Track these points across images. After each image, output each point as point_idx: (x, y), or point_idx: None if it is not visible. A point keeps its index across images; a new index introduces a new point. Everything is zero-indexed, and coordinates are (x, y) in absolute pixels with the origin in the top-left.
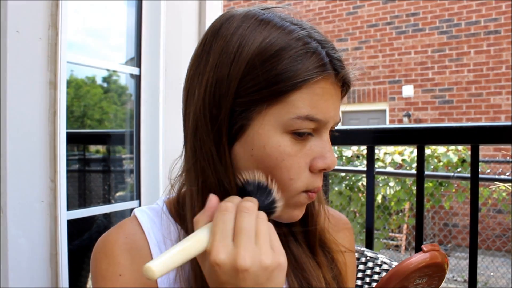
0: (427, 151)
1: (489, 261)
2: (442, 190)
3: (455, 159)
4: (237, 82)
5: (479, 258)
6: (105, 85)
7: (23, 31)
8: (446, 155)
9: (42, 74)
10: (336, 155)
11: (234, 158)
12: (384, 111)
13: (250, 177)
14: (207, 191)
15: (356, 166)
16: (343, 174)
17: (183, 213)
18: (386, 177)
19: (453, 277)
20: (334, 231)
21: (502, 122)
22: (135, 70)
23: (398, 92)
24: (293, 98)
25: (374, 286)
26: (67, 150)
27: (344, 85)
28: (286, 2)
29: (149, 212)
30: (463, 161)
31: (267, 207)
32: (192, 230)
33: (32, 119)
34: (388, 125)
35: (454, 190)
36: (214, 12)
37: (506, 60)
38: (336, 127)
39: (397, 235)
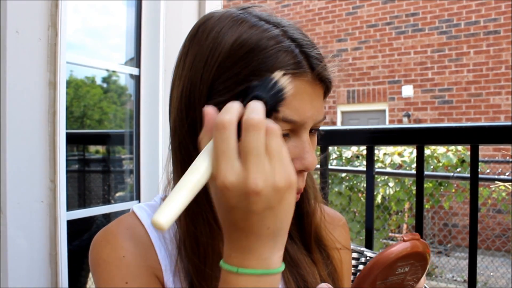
0: (427, 151)
1: (488, 261)
2: (441, 190)
3: (454, 159)
4: (209, 84)
5: (478, 258)
6: (104, 85)
7: (22, 31)
8: (446, 156)
9: (42, 75)
10: (335, 155)
11: None
12: (384, 111)
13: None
14: None
15: (356, 167)
16: (343, 174)
17: None
18: (385, 178)
19: (453, 277)
20: (329, 228)
21: (502, 122)
22: (134, 71)
23: (397, 92)
24: None
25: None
26: (67, 151)
27: (324, 83)
28: (285, 2)
29: (147, 208)
30: (462, 161)
31: (274, 97)
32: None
33: (31, 120)
34: (387, 125)
35: (453, 190)
36: None
37: (505, 60)
38: (336, 127)
39: (396, 235)
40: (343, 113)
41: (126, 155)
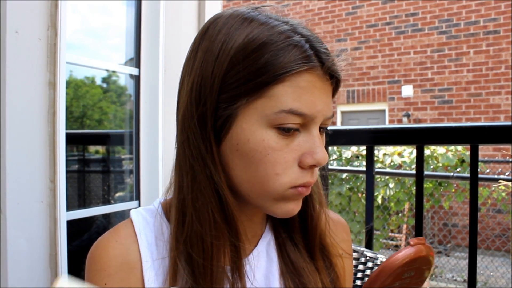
0: (427, 151)
1: (488, 261)
2: (441, 190)
3: (454, 160)
4: (221, 78)
5: (478, 258)
6: (104, 85)
7: (22, 31)
8: (446, 157)
9: (41, 75)
10: (335, 156)
11: (222, 156)
12: (384, 111)
13: None
14: (197, 187)
15: (356, 167)
16: (344, 175)
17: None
18: (386, 179)
19: (453, 277)
20: (333, 234)
21: (502, 122)
22: (134, 71)
23: (397, 92)
24: (276, 91)
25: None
26: (67, 151)
27: (333, 78)
28: (285, 3)
29: (144, 213)
30: (462, 161)
31: None
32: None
33: (31, 120)
34: (387, 125)
35: (453, 190)
36: (213, 12)
37: (505, 60)
38: (336, 127)
39: (396, 235)
40: (342, 113)
41: (126, 155)
